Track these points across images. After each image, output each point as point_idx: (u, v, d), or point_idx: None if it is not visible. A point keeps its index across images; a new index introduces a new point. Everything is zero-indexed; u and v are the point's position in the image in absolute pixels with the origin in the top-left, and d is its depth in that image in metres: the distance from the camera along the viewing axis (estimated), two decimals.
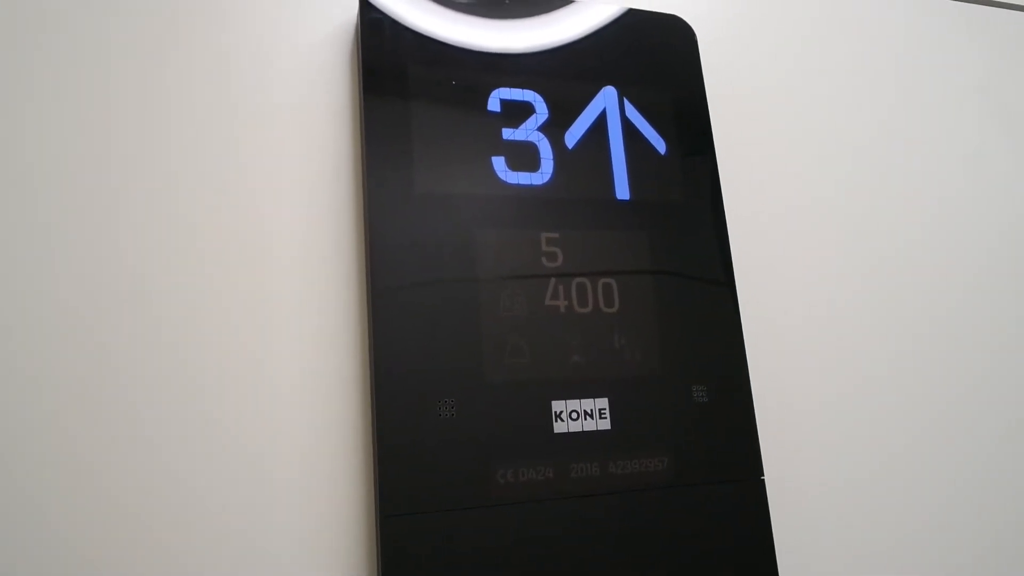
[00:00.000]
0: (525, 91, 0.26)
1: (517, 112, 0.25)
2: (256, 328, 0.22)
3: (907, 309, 0.30)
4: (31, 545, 0.19)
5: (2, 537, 0.19)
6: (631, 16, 0.28)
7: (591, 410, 0.23)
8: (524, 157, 0.25)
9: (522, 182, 0.25)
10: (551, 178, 0.25)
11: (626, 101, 0.27)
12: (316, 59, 0.26)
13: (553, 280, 0.24)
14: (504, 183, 0.25)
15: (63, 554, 0.19)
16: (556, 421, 0.23)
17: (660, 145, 0.27)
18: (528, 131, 0.25)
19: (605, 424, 0.23)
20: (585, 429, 0.23)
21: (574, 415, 0.23)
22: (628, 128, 0.27)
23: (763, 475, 0.25)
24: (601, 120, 0.26)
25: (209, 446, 0.21)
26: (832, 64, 0.33)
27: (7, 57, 0.23)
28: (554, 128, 0.26)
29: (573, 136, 0.26)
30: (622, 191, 0.26)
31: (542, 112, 0.26)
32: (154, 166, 0.23)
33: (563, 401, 0.23)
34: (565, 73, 0.27)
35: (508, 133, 0.25)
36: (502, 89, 0.25)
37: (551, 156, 0.25)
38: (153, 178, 0.23)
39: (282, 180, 0.24)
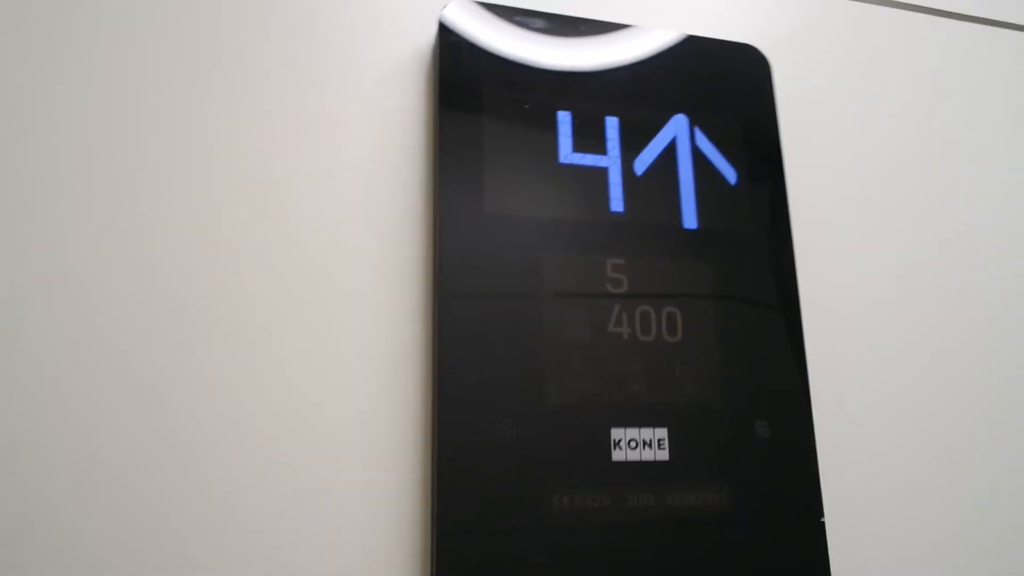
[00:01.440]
0: (597, 116, 0.26)
1: (588, 137, 0.25)
2: (320, 343, 0.23)
3: (983, 348, 0.29)
4: (83, 541, 0.20)
5: (63, 533, 0.20)
6: (705, 44, 0.28)
7: (650, 439, 0.23)
8: (593, 182, 0.25)
9: (590, 207, 0.25)
10: (619, 204, 0.25)
11: (697, 130, 0.27)
12: (394, 78, 0.26)
13: (617, 307, 0.24)
14: (571, 208, 0.25)
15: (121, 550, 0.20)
16: (615, 449, 0.23)
17: (730, 175, 0.27)
18: (598, 156, 0.25)
19: (663, 455, 0.23)
20: (643, 459, 0.23)
21: (632, 444, 0.23)
22: (698, 157, 0.27)
23: (823, 517, 0.24)
24: (671, 148, 0.26)
25: (267, 461, 0.22)
26: (907, 93, 0.32)
27: (87, 49, 0.24)
28: (624, 154, 0.26)
29: (643, 163, 0.26)
30: (690, 220, 0.26)
31: (612, 138, 0.26)
32: (230, 176, 0.24)
33: (622, 429, 0.23)
34: (636, 100, 0.27)
35: (578, 158, 0.25)
36: (573, 113, 0.26)
37: (619, 182, 0.25)
38: (228, 187, 0.24)
39: (353, 195, 0.25)
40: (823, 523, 0.24)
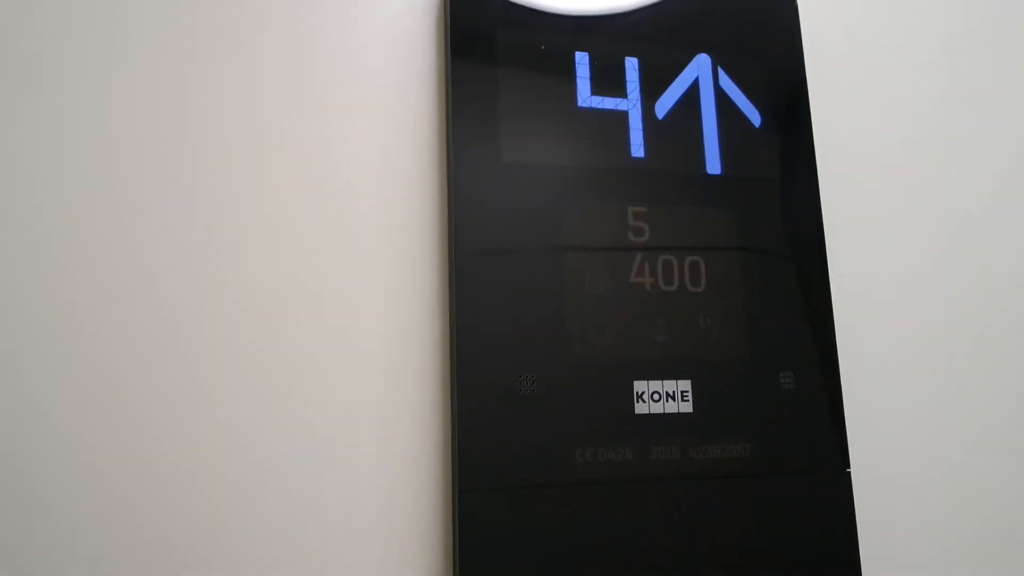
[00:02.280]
0: (615, 57, 0.25)
1: (606, 79, 0.24)
2: (336, 300, 0.22)
3: (1010, 297, 0.29)
4: (108, 529, 0.20)
5: (86, 524, 0.20)
6: None
7: (673, 392, 0.23)
8: (613, 126, 0.24)
9: (610, 152, 0.24)
10: (640, 149, 0.24)
11: (720, 70, 0.26)
12: (402, 25, 0.25)
13: (639, 256, 0.23)
14: (591, 153, 0.24)
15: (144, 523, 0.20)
16: (637, 402, 0.22)
17: (755, 117, 0.26)
18: (617, 99, 0.24)
19: (687, 407, 0.23)
20: (667, 411, 0.22)
21: (656, 396, 0.22)
22: (721, 99, 0.25)
23: (849, 467, 0.24)
24: (693, 90, 0.25)
25: (286, 419, 0.21)
26: (939, 36, 0.31)
27: (93, 30, 0.23)
28: (644, 97, 0.25)
29: (664, 106, 0.25)
30: (713, 165, 0.25)
31: (632, 80, 0.25)
32: (237, 131, 0.23)
33: (645, 382, 0.22)
34: (657, 39, 0.25)
35: (597, 101, 0.24)
36: (591, 55, 0.24)
37: (640, 127, 0.24)
38: (237, 142, 0.23)
39: (366, 147, 0.24)
40: (849, 473, 0.24)
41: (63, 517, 0.19)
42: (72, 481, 0.20)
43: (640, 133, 0.24)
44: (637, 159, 0.24)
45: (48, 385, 0.20)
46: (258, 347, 0.21)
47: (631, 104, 0.24)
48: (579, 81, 0.24)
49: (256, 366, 0.21)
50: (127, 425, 0.20)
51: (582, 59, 0.24)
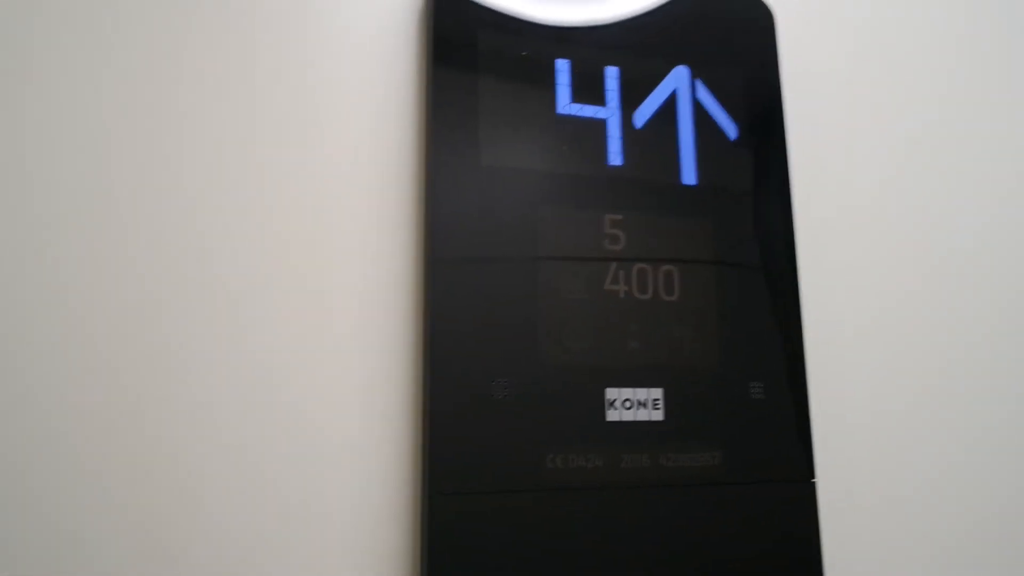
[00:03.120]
0: (595, 66, 0.25)
1: (586, 87, 0.24)
2: (309, 302, 0.22)
3: (977, 312, 0.29)
4: (79, 527, 0.19)
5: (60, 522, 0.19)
6: None
7: (645, 400, 0.23)
8: (591, 134, 0.24)
9: (587, 160, 0.24)
10: (617, 158, 0.24)
11: (698, 82, 0.26)
12: (385, 26, 0.25)
13: (614, 264, 0.23)
14: (569, 160, 0.24)
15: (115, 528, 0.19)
16: (609, 409, 0.22)
17: (731, 130, 0.26)
18: (596, 108, 0.24)
19: (658, 415, 0.23)
20: (638, 419, 0.23)
21: (627, 404, 0.23)
22: (699, 110, 0.26)
23: (815, 477, 0.24)
24: (672, 100, 0.25)
25: (256, 419, 0.21)
26: (916, 53, 0.32)
27: (71, 36, 0.22)
28: (623, 106, 0.25)
29: (642, 116, 0.25)
30: (689, 176, 0.25)
31: (612, 89, 0.25)
32: (215, 134, 0.23)
33: (617, 389, 0.23)
34: (637, 50, 0.26)
35: (576, 109, 0.24)
36: (571, 62, 0.25)
37: (619, 135, 0.24)
38: (214, 145, 0.22)
39: (345, 148, 0.23)
40: (814, 483, 0.24)
41: (37, 510, 0.19)
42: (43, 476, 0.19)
43: (618, 142, 0.24)
44: (615, 167, 0.24)
45: (23, 380, 0.20)
46: (228, 350, 0.21)
47: (610, 113, 0.25)
48: (559, 88, 0.24)
49: (226, 370, 0.21)
50: (64, 432, 0.20)
51: (563, 67, 0.24)
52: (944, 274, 0.29)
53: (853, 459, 0.26)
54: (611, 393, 0.23)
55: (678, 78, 0.26)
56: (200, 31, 0.23)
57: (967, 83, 0.32)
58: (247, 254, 0.22)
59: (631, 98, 0.25)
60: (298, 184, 0.23)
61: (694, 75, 0.26)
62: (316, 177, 0.23)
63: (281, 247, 0.22)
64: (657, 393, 0.23)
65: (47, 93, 0.21)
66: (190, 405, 0.21)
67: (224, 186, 0.22)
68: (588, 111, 0.24)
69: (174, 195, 0.22)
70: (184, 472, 0.20)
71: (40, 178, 0.21)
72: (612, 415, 0.22)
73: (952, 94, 0.32)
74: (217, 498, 0.20)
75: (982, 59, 0.33)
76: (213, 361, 0.21)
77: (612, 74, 0.25)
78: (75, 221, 0.21)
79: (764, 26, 0.28)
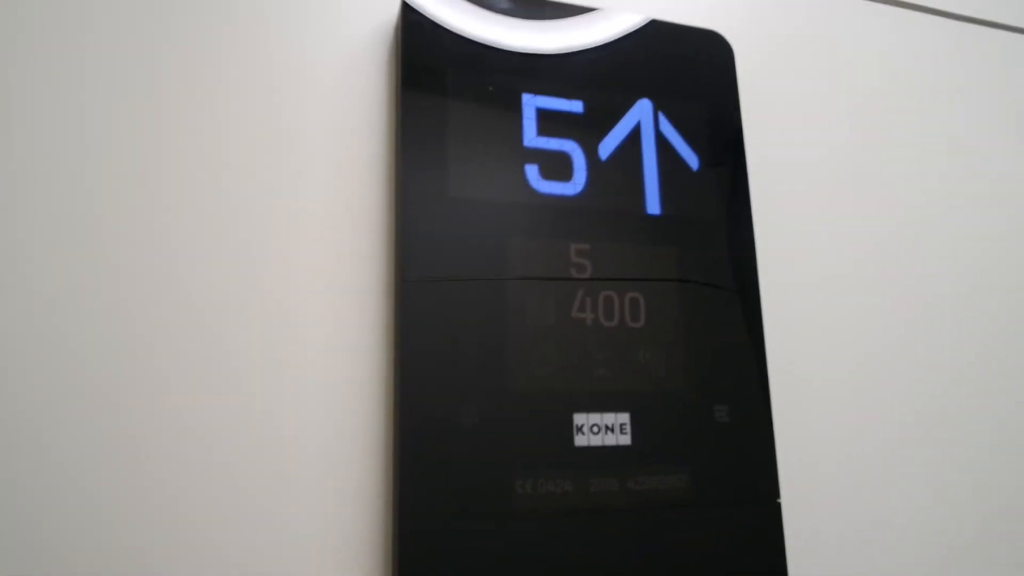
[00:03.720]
0: (561, 100, 0.26)
1: (552, 121, 0.25)
2: (280, 329, 0.22)
3: (933, 334, 0.30)
4: (54, 543, 0.19)
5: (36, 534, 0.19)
6: (670, 30, 0.28)
7: (612, 425, 0.23)
8: (557, 166, 0.25)
9: (554, 191, 0.25)
10: (583, 189, 0.25)
11: (661, 115, 0.27)
12: (355, 58, 0.25)
13: (581, 292, 0.24)
14: (536, 192, 0.24)
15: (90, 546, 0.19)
16: (577, 434, 0.23)
17: (693, 160, 0.27)
18: (562, 141, 0.25)
19: (626, 439, 0.23)
20: (606, 444, 0.23)
21: (595, 429, 0.23)
22: (661, 142, 0.27)
23: (779, 498, 0.25)
24: (635, 133, 0.26)
25: (226, 447, 0.21)
26: (869, 84, 0.33)
27: (60, 55, 0.23)
28: (588, 139, 0.26)
29: (607, 148, 0.26)
30: (653, 206, 0.26)
31: (577, 122, 0.26)
32: (187, 156, 0.23)
33: (585, 414, 0.23)
34: (601, 84, 0.26)
35: (543, 141, 0.25)
36: (538, 97, 0.25)
37: (584, 166, 0.25)
38: (186, 167, 0.23)
39: (314, 176, 0.24)
40: (779, 504, 0.25)
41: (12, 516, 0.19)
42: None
43: (584, 173, 0.25)
44: (580, 198, 0.25)
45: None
46: (198, 374, 0.21)
47: (575, 145, 0.25)
48: (525, 122, 0.25)
49: (196, 394, 0.21)
50: (35, 434, 0.20)
51: (529, 101, 0.25)
52: (903, 295, 0.30)
53: (818, 480, 0.27)
54: (579, 418, 0.23)
55: (641, 111, 0.27)
56: (173, 61, 0.23)
57: (920, 111, 0.33)
58: (217, 280, 0.22)
59: (596, 130, 0.26)
60: (269, 206, 0.23)
61: (656, 108, 0.27)
62: (287, 201, 0.23)
63: (250, 271, 0.22)
64: (624, 418, 0.23)
65: (29, 111, 0.22)
66: (157, 436, 0.21)
67: (195, 213, 0.22)
68: (554, 144, 0.25)
69: (148, 223, 0.22)
70: (158, 498, 0.20)
71: (20, 197, 0.21)
72: (580, 440, 0.23)
73: (906, 121, 0.33)
74: (186, 530, 0.20)
75: (936, 87, 0.34)
76: (185, 390, 0.21)
77: (577, 107, 0.26)
78: (43, 242, 0.21)
79: (723, 59, 0.29)
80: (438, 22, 0.25)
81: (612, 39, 0.27)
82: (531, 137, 0.25)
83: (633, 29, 0.28)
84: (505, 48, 0.26)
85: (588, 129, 0.26)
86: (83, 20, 0.23)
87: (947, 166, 0.33)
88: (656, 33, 0.28)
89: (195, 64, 0.24)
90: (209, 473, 0.21)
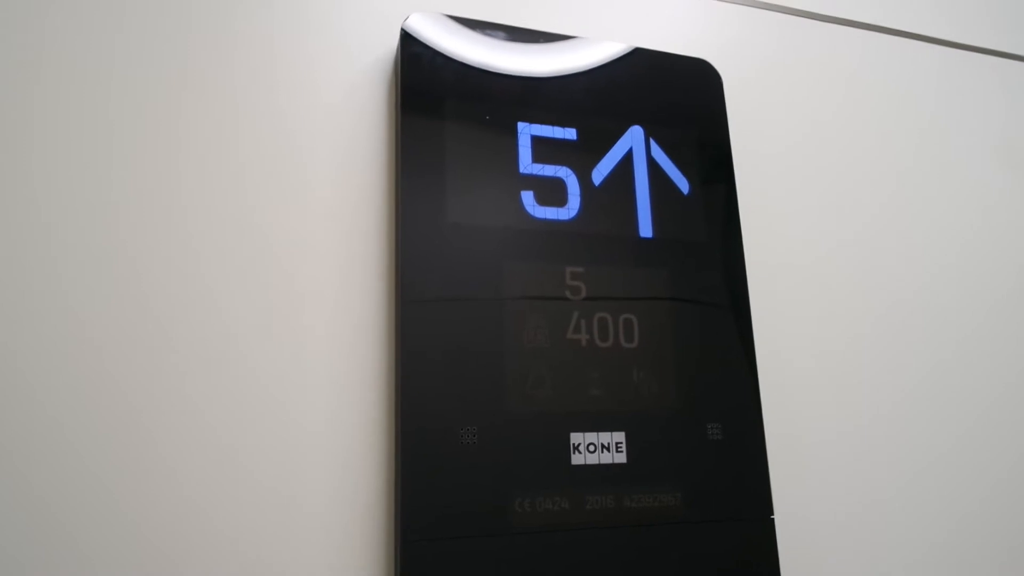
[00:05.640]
0: (555, 128, 0.26)
1: (547, 148, 0.26)
2: (283, 351, 0.23)
3: (921, 349, 0.31)
4: (51, 553, 0.20)
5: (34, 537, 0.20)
6: (661, 58, 0.29)
7: (608, 443, 0.24)
8: (552, 192, 0.26)
9: (549, 216, 0.25)
10: (577, 214, 0.26)
11: (652, 141, 0.28)
12: (356, 87, 0.26)
13: (576, 314, 0.25)
14: (532, 217, 0.25)
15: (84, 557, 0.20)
16: (574, 453, 0.23)
17: (684, 185, 0.28)
18: (557, 167, 0.26)
19: (621, 458, 0.24)
20: (602, 462, 0.24)
21: (591, 447, 0.24)
22: (653, 167, 0.27)
23: (773, 514, 0.25)
24: (628, 159, 0.27)
25: (229, 468, 0.22)
26: (855, 112, 0.34)
27: (68, 68, 0.24)
28: (582, 165, 0.26)
29: (600, 173, 0.27)
30: (645, 229, 0.26)
31: (571, 149, 0.26)
32: (194, 185, 0.24)
33: (581, 433, 0.24)
34: (595, 112, 0.27)
35: (538, 168, 0.26)
36: (534, 125, 0.26)
37: (578, 192, 0.26)
38: (191, 195, 0.24)
39: (317, 204, 0.25)
40: (772, 520, 0.25)
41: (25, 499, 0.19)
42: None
43: (578, 199, 0.26)
44: (575, 223, 0.26)
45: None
46: (203, 395, 0.22)
47: (569, 172, 0.26)
48: (521, 149, 0.26)
49: (199, 415, 0.22)
50: (40, 435, 0.20)
51: (524, 128, 0.26)
52: (895, 314, 0.31)
53: (811, 496, 0.28)
54: (575, 438, 0.24)
55: (633, 137, 0.27)
56: (185, 92, 0.24)
57: (906, 134, 0.34)
58: (220, 304, 0.23)
59: (589, 157, 0.27)
60: (273, 234, 0.24)
61: (648, 134, 0.28)
62: (291, 228, 0.24)
63: (252, 297, 0.23)
64: (620, 436, 0.24)
65: (48, 111, 0.22)
66: (153, 475, 0.21)
67: (203, 235, 0.23)
68: (549, 170, 0.26)
69: (158, 242, 0.23)
70: (161, 516, 0.21)
71: (39, 192, 0.22)
72: (577, 459, 0.23)
73: (892, 144, 0.34)
74: (189, 551, 0.21)
75: (920, 111, 0.35)
76: (187, 409, 0.22)
77: (571, 135, 0.27)
78: (52, 246, 0.22)
79: (712, 86, 0.30)
80: (437, 51, 0.26)
81: (597, 65, 0.28)
82: (527, 164, 0.26)
83: (625, 58, 0.28)
84: (503, 77, 0.26)
85: (582, 155, 0.26)
86: (102, 47, 0.24)
87: (934, 188, 0.34)
88: (647, 61, 0.29)
89: (206, 95, 0.25)
90: (212, 499, 0.21)
